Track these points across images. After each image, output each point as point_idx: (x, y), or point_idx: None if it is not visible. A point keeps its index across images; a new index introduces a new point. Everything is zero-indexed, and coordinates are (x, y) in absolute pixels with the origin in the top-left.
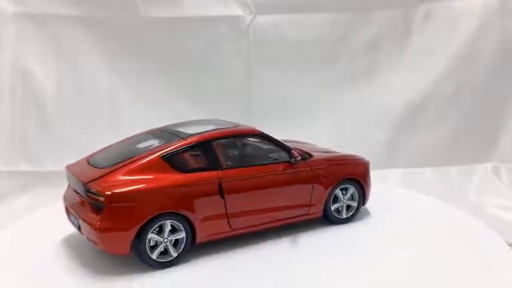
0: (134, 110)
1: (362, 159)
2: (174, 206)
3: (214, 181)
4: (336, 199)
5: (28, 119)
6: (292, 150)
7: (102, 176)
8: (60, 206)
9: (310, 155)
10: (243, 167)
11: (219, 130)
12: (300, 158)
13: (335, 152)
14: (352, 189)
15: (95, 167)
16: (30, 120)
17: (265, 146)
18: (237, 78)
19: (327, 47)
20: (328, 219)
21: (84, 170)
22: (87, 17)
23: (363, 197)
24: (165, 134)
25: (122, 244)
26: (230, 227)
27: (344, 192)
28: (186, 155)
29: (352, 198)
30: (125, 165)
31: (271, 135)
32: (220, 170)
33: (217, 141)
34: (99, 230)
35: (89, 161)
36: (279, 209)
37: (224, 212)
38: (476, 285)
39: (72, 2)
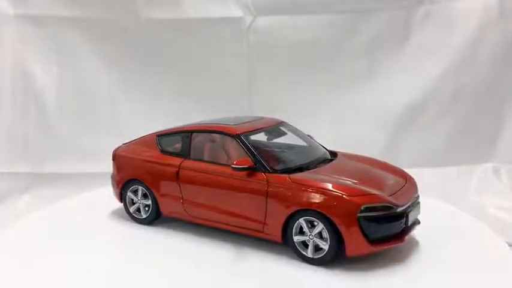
0: (134, 111)
1: (358, 195)
2: (142, 177)
3: (174, 167)
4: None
5: (29, 120)
6: (246, 158)
7: (129, 142)
8: (60, 206)
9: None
10: (204, 161)
11: (203, 124)
12: (240, 167)
13: (354, 180)
14: (320, 227)
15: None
16: (31, 122)
17: (237, 148)
18: (237, 79)
19: (326, 48)
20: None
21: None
22: (88, 18)
23: (342, 243)
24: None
25: (116, 194)
26: (186, 212)
27: (310, 227)
28: (172, 139)
29: (327, 238)
30: (140, 138)
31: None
32: (185, 159)
33: (197, 133)
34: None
35: None
36: (226, 213)
37: (180, 196)
38: (476, 285)
39: (73, 3)
